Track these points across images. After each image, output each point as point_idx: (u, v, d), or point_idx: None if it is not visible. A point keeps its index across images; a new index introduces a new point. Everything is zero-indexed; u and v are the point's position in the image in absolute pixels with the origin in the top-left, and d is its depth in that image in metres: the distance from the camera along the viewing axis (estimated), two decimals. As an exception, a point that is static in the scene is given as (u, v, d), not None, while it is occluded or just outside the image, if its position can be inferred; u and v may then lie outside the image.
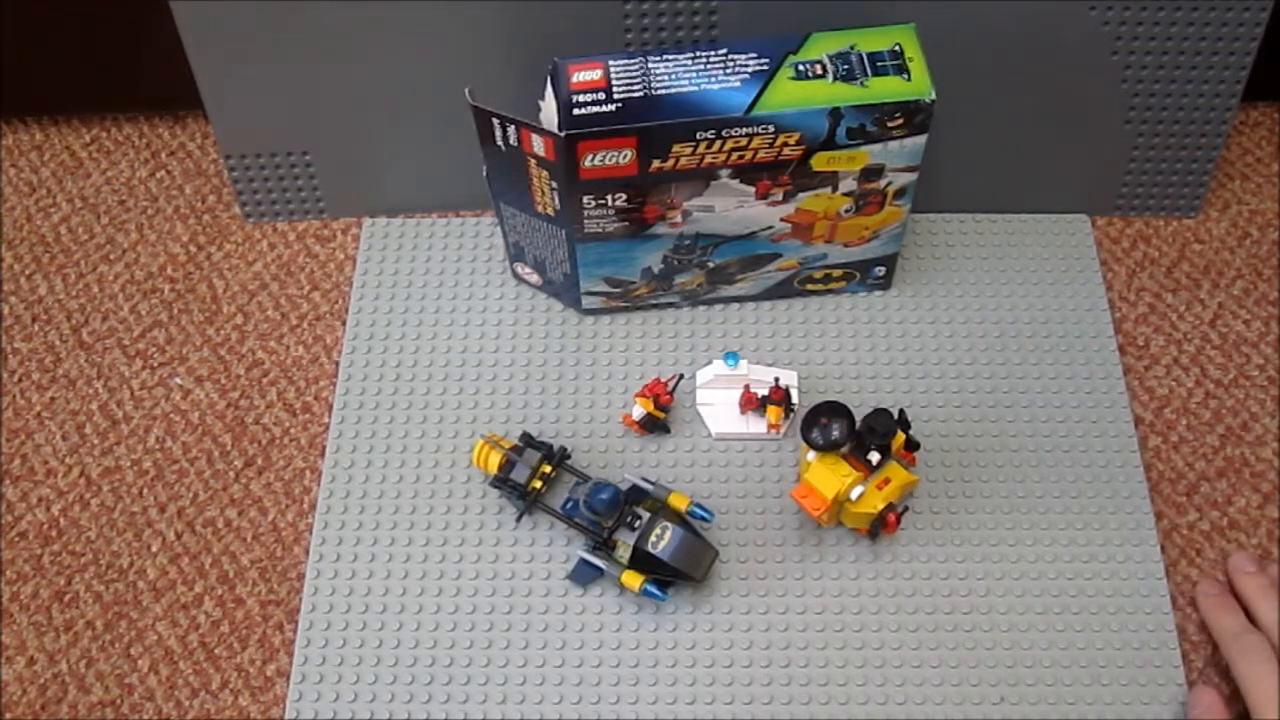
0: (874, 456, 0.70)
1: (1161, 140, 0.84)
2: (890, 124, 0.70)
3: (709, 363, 0.81)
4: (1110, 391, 0.80)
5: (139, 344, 0.85)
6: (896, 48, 0.70)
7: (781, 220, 0.76)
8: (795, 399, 0.78)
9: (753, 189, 0.73)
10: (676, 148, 0.70)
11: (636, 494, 0.73)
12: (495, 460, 0.74)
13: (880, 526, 0.71)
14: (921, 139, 0.71)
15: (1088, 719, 0.69)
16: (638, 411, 0.77)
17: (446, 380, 0.81)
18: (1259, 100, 0.94)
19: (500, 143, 0.71)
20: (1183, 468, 0.78)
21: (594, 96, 0.69)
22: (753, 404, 0.78)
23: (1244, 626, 0.69)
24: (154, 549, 0.76)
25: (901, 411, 0.72)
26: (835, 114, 0.69)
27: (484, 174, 0.76)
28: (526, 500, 0.74)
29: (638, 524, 0.70)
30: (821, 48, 0.70)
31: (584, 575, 0.73)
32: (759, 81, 0.69)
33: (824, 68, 0.69)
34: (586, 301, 0.82)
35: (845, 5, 0.75)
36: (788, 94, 0.69)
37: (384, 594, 0.73)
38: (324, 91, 0.82)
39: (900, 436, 0.72)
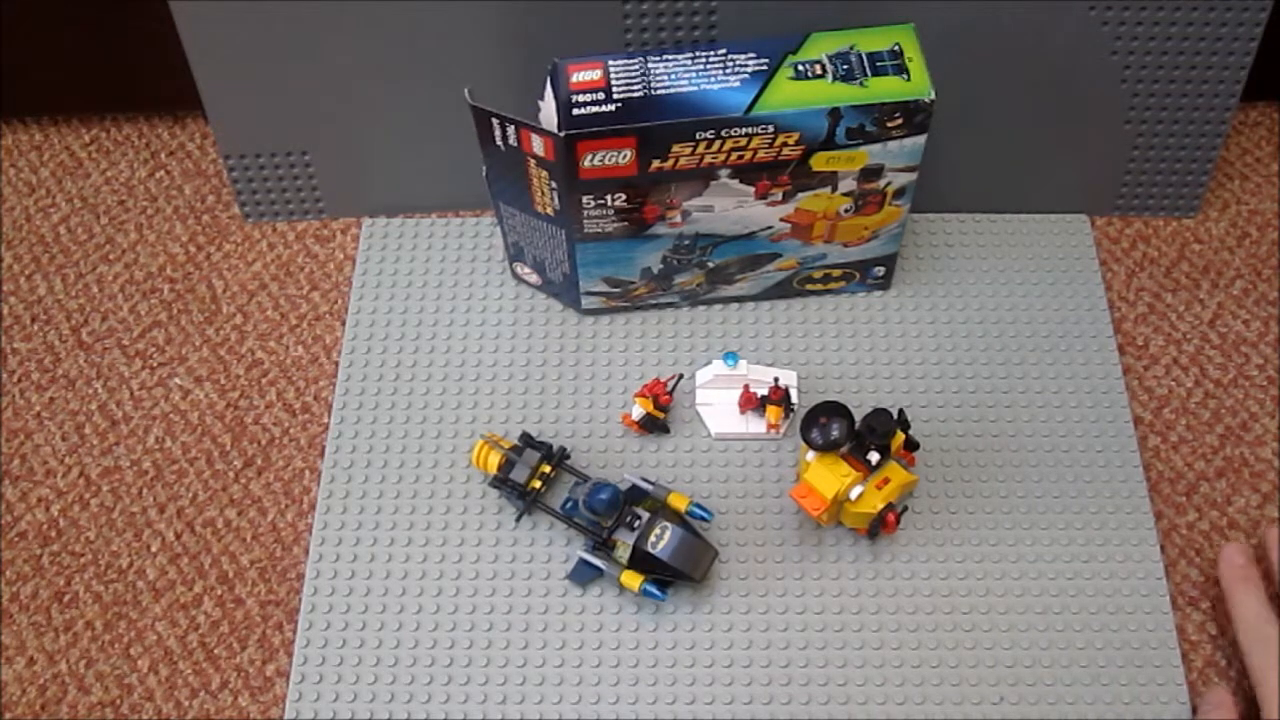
0: (873, 456, 0.70)
1: (1161, 140, 0.84)
2: (890, 124, 0.70)
3: (708, 363, 0.81)
4: (1110, 391, 0.80)
5: (138, 344, 0.85)
6: (896, 48, 0.70)
7: (781, 220, 0.76)
8: (795, 399, 0.78)
9: (752, 189, 0.73)
10: (676, 148, 0.70)
11: (636, 494, 0.73)
12: (495, 460, 0.75)
13: (880, 526, 0.71)
14: (921, 139, 0.71)
15: (1087, 719, 0.69)
16: (637, 411, 0.77)
17: (446, 380, 0.81)
18: (1258, 100, 0.94)
19: (500, 143, 0.71)
20: (1182, 467, 0.78)
21: (593, 96, 0.69)
22: (752, 404, 0.78)
23: (1265, 616, 0.68)
24: (154, 549, 0.76)
25: (901, 411, 0.72)
26: (835, 114, 0.69)
27: (484, 174, 0.76)
28: (526, 500, 0.74)
29: (637, 524, 0.70)
30: (821, 48, 0.70)
31: (584, 575, 0.73)
32: (758, 81, 0.69)
33: (823, 68, 0.69)
34: (586, 301, 0.82)
35: (845, 5, 0.75)
36: (787, 94, 0.69)
37: (384, 594, 0.73)
38: (324, 91, 0.82)
39: (900, 436, 0.72)
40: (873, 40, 0.70)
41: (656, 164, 0.71)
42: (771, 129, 0.69)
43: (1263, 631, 0.68)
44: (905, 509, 0.73)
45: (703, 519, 0.72)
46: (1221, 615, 0.72)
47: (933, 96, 0.69)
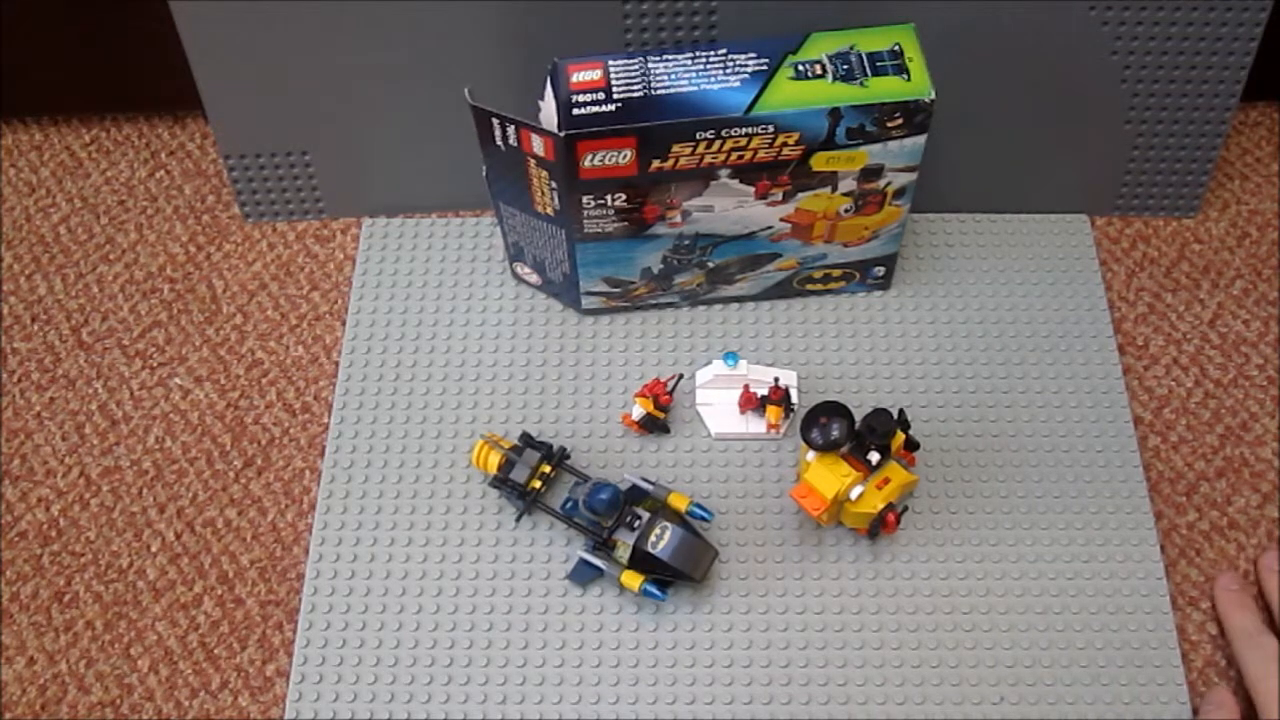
0: (874, 456, 0.70)
1: (1161, 140, 0.84)
2: (890, 124, 0.70)
3: (708, 363, 0.81)
4: (1110, 391, 0.80)
5: (138, 344, 0.85)
6: (896, 48, 0.70)
7: (781, 220, 0.76)
8: (795, 399, 0.78)
9: (752, 189, 0.73)
10: (676, 148, 0.70)
11: (636, 494, 0.73)
12: (495, 460, 0.75)
13: (880, 526, 0.71)
14: (921, 139, 0.71)
15: (1087, 719, 0.69)
16: (637, 411, 0.77)
17: (446, 380, 0.81)
18: (1258, 100, 0.94)
19: (500, 143, 0.71)
20: (1182, 467, 0.78)
21: (594, 96, 0.69)
22: (752, 404, 0.78)
23: (1258, 627, 0.69)
24: (154, 549, 0.76)
25: (901, 411, 0.72)
26: (835, 114, 0.69)
27: (484, 174, 0.76)
28: (526, 500, 0.74)
29: (637, 524, 0.70)
30: (821, 48, 0.70)
31: (584, 575, 0.73)
32: (759, 81, 0.69)
33: (823, 68, 0.69)
34: (586, 301, 0.82)
35: (845, 5, 0.75)
36: (787, 94, 0.69)
37: (384, 594, 0.73)
38: (324, 91, 0.82)
39: (900, 436, 0.72)
40: (873, 40, 0.70)
41: (656, 164, 0.71)
42: (771, 129, 0.69)
43: (1257, 640, 0.68)
44: (905, 509, 0.73)
45: (703, 519, 0.72)
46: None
47: (933, 96, 0.69)
